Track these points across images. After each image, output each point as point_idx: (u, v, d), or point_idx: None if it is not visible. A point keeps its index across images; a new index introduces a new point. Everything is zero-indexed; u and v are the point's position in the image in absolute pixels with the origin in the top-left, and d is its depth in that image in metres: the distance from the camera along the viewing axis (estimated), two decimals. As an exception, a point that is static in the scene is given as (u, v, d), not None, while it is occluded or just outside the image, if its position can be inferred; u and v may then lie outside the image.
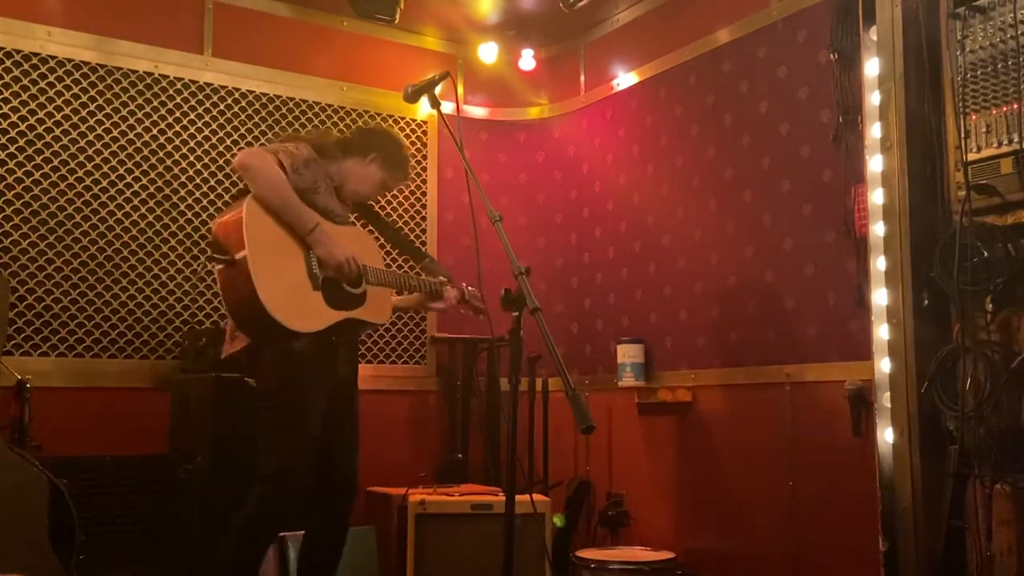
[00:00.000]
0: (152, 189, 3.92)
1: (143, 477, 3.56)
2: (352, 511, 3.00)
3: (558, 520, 4.05)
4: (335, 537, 2.96)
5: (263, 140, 4.17)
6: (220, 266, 2.74)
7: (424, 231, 4.60)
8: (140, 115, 3.92)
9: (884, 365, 2.50)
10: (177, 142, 3.99)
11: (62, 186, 3.74)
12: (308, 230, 2.76)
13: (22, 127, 3.68)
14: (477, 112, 4.86)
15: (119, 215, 3.84)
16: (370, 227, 3.35)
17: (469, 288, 3.27)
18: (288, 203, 2.74)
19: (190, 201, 3.99)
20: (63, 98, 3.77)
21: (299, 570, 3.00)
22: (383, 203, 4.46)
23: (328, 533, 2.94)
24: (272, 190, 2.72)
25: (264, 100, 4.22)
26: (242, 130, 4.16)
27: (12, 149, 3.66)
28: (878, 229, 2.55)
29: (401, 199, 4.55)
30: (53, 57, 3.77)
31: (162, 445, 3.60)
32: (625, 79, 4.48)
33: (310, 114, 4.33)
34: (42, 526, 2.89)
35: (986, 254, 2.28)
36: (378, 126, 3.26)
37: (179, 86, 4.03)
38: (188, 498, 3.33)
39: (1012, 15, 2.27)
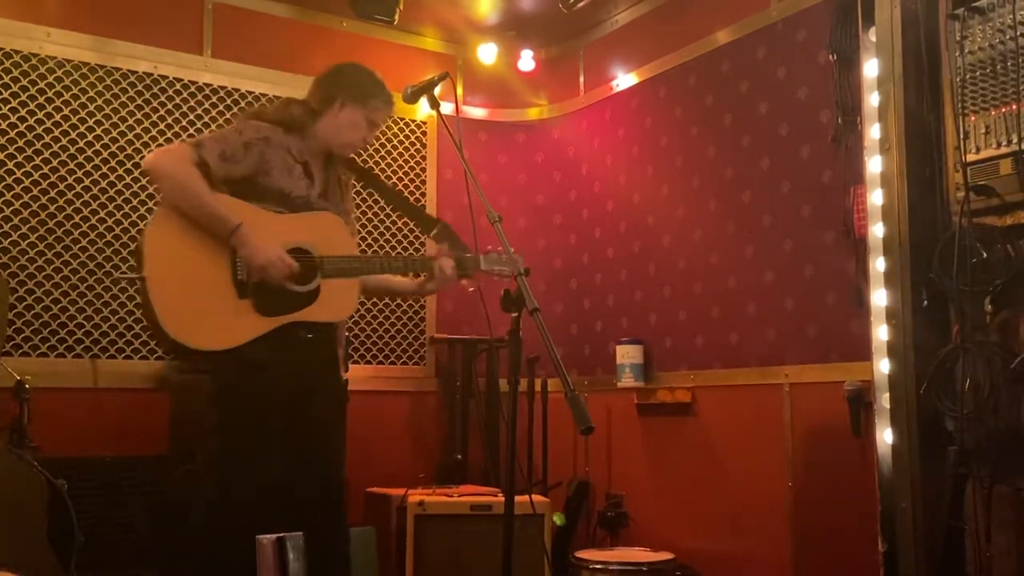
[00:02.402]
0: (151, 189, 3.91)
1: (142, 478, 3.56)
2: (341, 518, 2.78)
3: (558, 519, 4.04)
4: (334, 547, 2.69)
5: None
6: (135, 284, 2.55)
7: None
8: (139, 116, 3.92)
9: (883, 366, 2.50)
10: (176, 143, 3.99)
11: (61, 186, 3.74)
12: (228, 232, 2.48)
13: (21, 128, 3.69)
14: (476, 113, 4.86)
15: (118, 215, 3.84)
16: (369, 191, 3.02)
17: (491, 250, 2.82)
18: (200, 207, 2.47)
19: (189, 202, 3.99)
20: (62, 99, 3.77)
21: None
22: (381, 204, 4.46)
23: (325, 543, 2.66)
24: (180, 193, 2.48)
25: (263, 101, 4.22)
26: (241, 131, 4.15)
27: (11, 150, 3.66)
28: (877, 230, 2.55)
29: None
30: (52, 58, 3.77)
31: (161, 446, 3.60)
32: (625, 80, 4.48)
33: (309, 115, 4.33)
34: (41, 527, 2.88)
35: (985, 255, 2.28)
36: (333, 66, 2.81)
37: (178, 87, 4.03)
38: (188, 499, 3.33)
39: (1011, 16, 2.27)
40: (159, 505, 3.51)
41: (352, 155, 2.88)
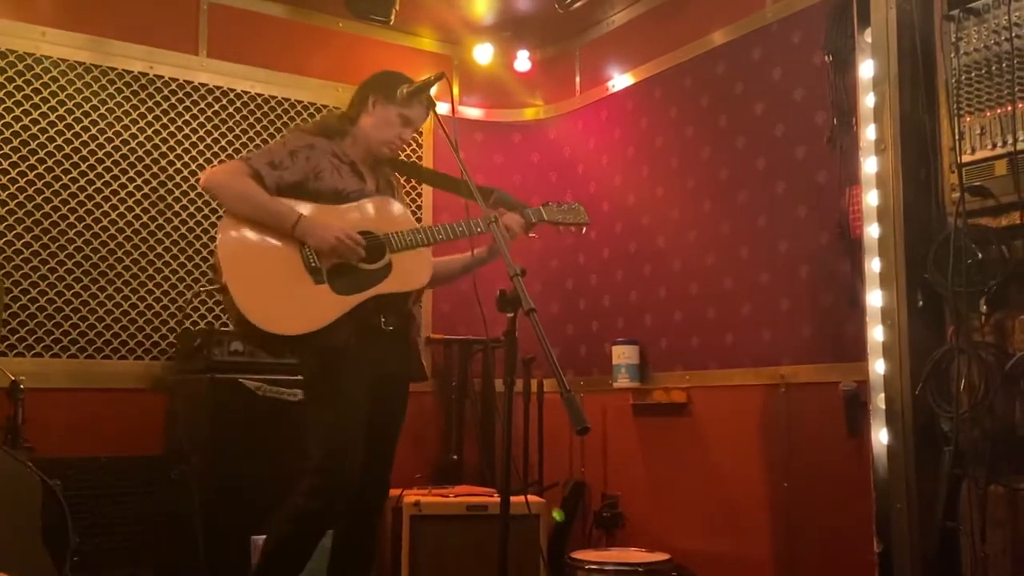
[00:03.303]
0: (147, 190, 3.91)
1: (137, 478, 3.55)
2: (381, 510, 2.91)
3: (557, 515, 4.04)
4: (364, 535, 2.82)
5: (258, 141, 4.17)
6: (218, 294, 2.70)
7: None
8: (135, 116, 3.92)
9: (879, 366, 2.50)
10: (172, 143, 3.99)
11: (56, 186, 3.73)
12: (291, 226, 2.62)
13: (16, 127, 3.68)
14: (472, 113, 4.86)
15: (113, 215, 3.83)
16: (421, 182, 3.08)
17: (551, 202, 2.91)
18: (260, 208, 2.63)
19: (184, 202, 3.99)
20: (57, 98, 3.76)
21: (331, 569, 2.83)
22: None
23: (357, 531, 2.80)
24: (240, 201, 2.64)
25: (259, 101, 4.22)
26: (237, 131, 4.15)
27: (6, 149, 3.65)
28: (873, 231, 2.56)
29: (396, 200, 4.55)
30: (48, 57, 3.76)
31: (156, 446, 3.60)
32: (620, 80, 4.48)
33: (305, 115, 4.33)
34: (35, 528, 2.87)
35: (980, 256, 2.28)
36: (369, 76, 2.95)
37: (174, 87, 4.02)
38: (183, 500, 3.32)
39: (1006, 17, 2.27)
40: (154, 506, 3.51)
41: (394, 154, 2.94)
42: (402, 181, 3.10)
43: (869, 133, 2.58)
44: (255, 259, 2.63)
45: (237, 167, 2.67)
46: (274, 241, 2.63)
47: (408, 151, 4.61)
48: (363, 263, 2.67)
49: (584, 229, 3.03)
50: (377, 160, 2.90)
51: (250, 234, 2.63)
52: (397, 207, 2.86)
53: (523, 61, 4.80)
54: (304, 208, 2.67)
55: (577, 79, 4.78)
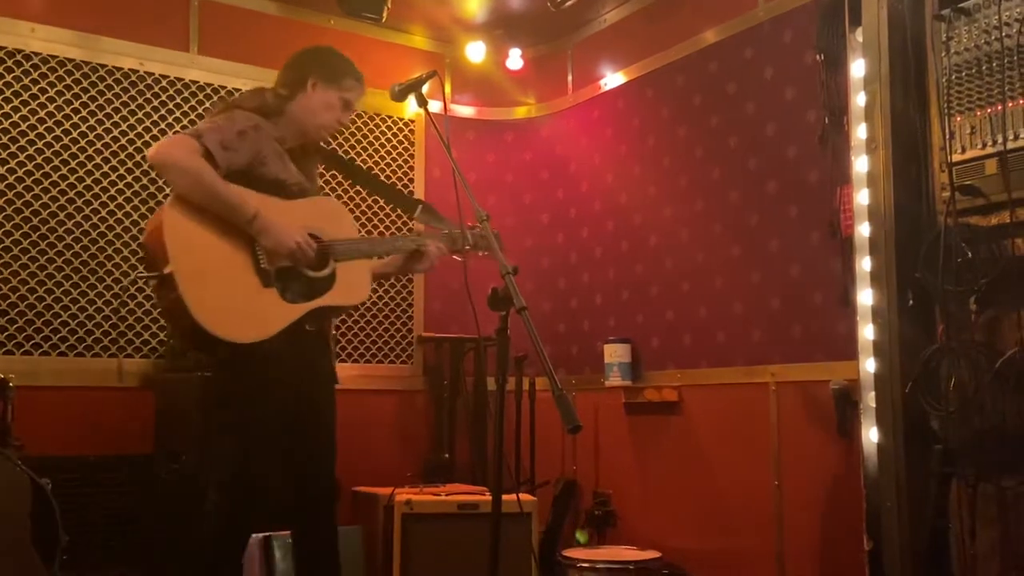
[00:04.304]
0: (137, 187, 3.89)
1: (127, 477, 3.53)
2: (336, 515, 2.76)
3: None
4: (324, 544, 2.67)
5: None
6: (153, 282, 2.44)
7: (411, 230, 4.59)
8: (125, 112, 3.90)
9: (869, 365, 2.51)
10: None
11: (46, 183, 3.71)
12: (247, 220, 2.42)
13: (5, 124, 3.65)
14: (464, 111, 4.85)
15: (103, 213, 3.81)
16: (350, 181, 2.96)
17: (470, 226, 2.71)
18: (216, 195, 2.40)
19: (175, 199, 3.97)
20: (47, 95, 3.74)
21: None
22: (371, 202, 4.45)
23: (315, 542, 2.65)
24: (194, 183, 2.39)
25: (250, 98, 4.20)
26: (228, 128, 4.13)
27: (-5, 146, 3.63)
28: (863, 230, 2.56)
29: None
30: (37, 54, 3.74)
31: (147, 445, 3.58)
32: (612, 79, 4.48)
33: (297, 112, 4.31)
34: (24, 526, 2.86)
35: (970, 255, 2.29)
36: (301, 50, 2.76)
37: (164, 83, 4.00)
38: (173, 498, 3.31)
39: (997, 17, 2.28)
40: (144, 504, 3.49)
41: (328, 143, 2.80)
42: (322, 170, 2.89)
43: (860, 132, 2.59)
44: (204, 252, 2.41)
45: (189, 144, 2.42)
46: (226, 233, 2.43)
47: (396, 150, 4.60)
48: (311, 270, 2.55)
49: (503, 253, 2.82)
50: (306, 147, 2.74)
51: (202, 221, 2.41)
52: (339, 207, 2.74)
53: (515, 59, 4.80)
54: (257, 200, 2.48)
55: (569, 78, 4.77)
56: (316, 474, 2.65)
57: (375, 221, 4.47)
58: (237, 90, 4.17)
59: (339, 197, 4.33)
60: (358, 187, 3.43)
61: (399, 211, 4.11)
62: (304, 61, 2.73)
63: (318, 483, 2.65)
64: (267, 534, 3.31)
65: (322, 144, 2.86)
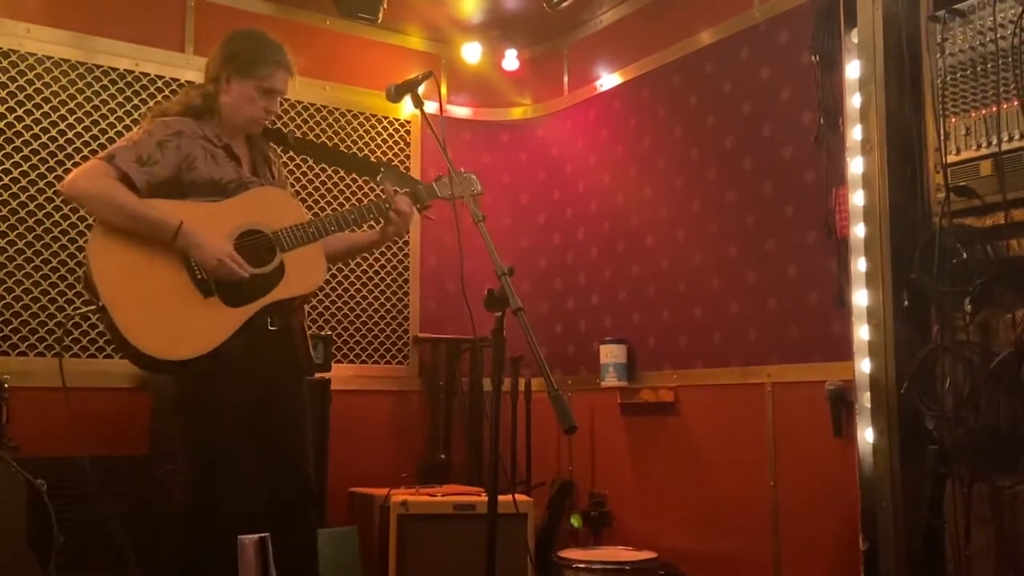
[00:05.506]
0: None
1: (123, 478, 3.53)
2: (314, 518, 2.70)
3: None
4: (300, 548, 2.58)
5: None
6: (97, 314, 2.41)
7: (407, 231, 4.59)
8: (121, 113, 3.89)
9: (864, 365, 2.51)
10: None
11: (41, 184, 3.70)
12: (171, 237, 2.38)
13: (0, 125, 3.65)
14: (460, 112, 4.85)
15: (99, 214, 3.80)
16: (302, 157, 2.86)
17: (441, 176, 2.73)
18: (134, 217, 2.38)
19: (171, 200, 3.96)
20: (42, 96, 3.74)
21: None
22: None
23: (290, 545, 2.50)
24: (111, 209, 2.38)
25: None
26: (224, 129, 4.13)
27: (-10, 147, 3.62)
28: (859, 230, 2.57)
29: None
30: (32, 54, 3.73)
31: (142, 446, 3.57)
32: (608, 80, 4.49)
33: (292, 113, 4.31)
34: (20, 528, 2.86)
35: (965, 256, 2.30)
36: (221, 40, 2.66)
37: (160, 84, 4.00)
38: (168, 499, 3.30)
39: (991, 18, 2.28)
40: (139, 505, 3.49)
41: (267, 126, 2.75)
42: (279, 152, 2.79)
43: (855, 133, 2.60)
44: (136, 276, 2.39)
45: (100, 169, 2.41)
46: (154, 253, 2.41)
47: (392, 150, 4.60)
48: (254, 267, 2.49)
49: (478, 200, 2.76)
50: (251, 136, 2.70)
51: (127, 246, 2.39)
52: (281, 195, 2.66)
53: (511, 60, 4.80)
54: (183, 211, 2.44)
55: (565, 78, 4.78)
56: (289, 475, 2.59)
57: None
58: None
59: (312, 175, 4.33)
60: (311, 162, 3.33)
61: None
62: (217, 55, 2.64)
63: (292, 484, 2.59)
64: (262, 535, 3.30)
65: (267, 125, 2.78)
